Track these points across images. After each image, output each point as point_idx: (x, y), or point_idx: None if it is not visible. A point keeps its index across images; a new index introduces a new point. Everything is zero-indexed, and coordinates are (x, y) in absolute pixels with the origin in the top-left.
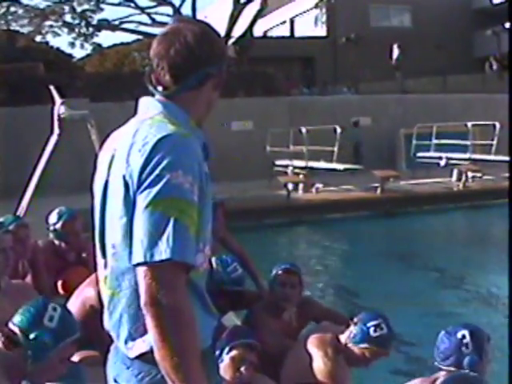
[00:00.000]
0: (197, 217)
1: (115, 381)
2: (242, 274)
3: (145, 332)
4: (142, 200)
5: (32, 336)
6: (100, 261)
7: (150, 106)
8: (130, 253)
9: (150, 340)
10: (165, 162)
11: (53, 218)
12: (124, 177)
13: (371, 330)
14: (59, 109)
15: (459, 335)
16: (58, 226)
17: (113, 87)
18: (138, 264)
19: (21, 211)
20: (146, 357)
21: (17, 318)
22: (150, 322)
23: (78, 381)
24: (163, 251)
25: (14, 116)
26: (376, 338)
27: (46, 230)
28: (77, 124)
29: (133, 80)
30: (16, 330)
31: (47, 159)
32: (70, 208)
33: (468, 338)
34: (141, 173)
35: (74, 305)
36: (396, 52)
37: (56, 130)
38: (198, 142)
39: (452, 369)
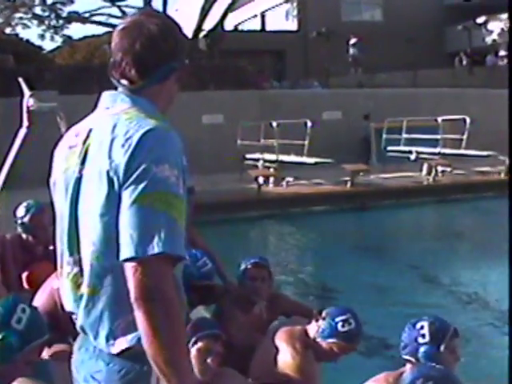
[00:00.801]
0: (182, 209)
1: (92, 377)
2: (211, 268)
3: (126, 328)
4: (129, 195)
5: None
6: (65, 258)
7: (117, 100)
8: (117, 250)
9: (132, 336)
10: (150, 157)
11: (20, 211)
12: (108, 173)
13: (339, 324)
14: (28, 101)
15: (418, 326)
16: (26, 219)
17: (83, 79)
18: (128, 259)
19: None
20: (128, 353)
21: None
22: (141, 316)
23: (46, 377)
24: (155, 245)
25: None
26: (344, 332)
27: (14, 223)
28: (46, 116)
29: (103, 72)
30: None
31: (16, 152)
32: (37, 201)
33: (426, 329)
34: (126, 168)
35: (42, 298)
36: (352, 48)
37: (25, 123)
38: (178, 136)
39: (409, 358)
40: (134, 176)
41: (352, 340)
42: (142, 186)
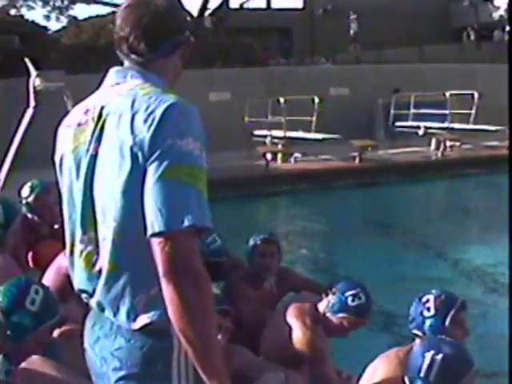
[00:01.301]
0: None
1: (112, 355)
2: (221, 245)
3: (147, 303)
4: (155, 170)
5: (13, 318)
6: (77, 236)
7: (127, 76)
8: (143, 225)
9: (153, 311)
10: (175, 131)
11: (25, 191)
12: (132, 148)
13: (349, 299)
14: (34, 81)
15: (424, 299)
16: (30, 199)
17: (89, 59)
18: (156, 234)
19: None
20: (149, 328)
21: None
22: (171, 290)
23: (55, 356)
24: (185, 218)
25: None
26: (354, 307)
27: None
28: (53, 96)
29: (109, 52)
30: None
31: (23, 132)
32: (42, 181)
33: (431, 302)
34: (151, 143)
35: (50, 277)
36: (353, 24)
37: (32, 103)
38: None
39: (417, 332)
40: (160, 150)
41: (362, 314)
42: (167, 160)
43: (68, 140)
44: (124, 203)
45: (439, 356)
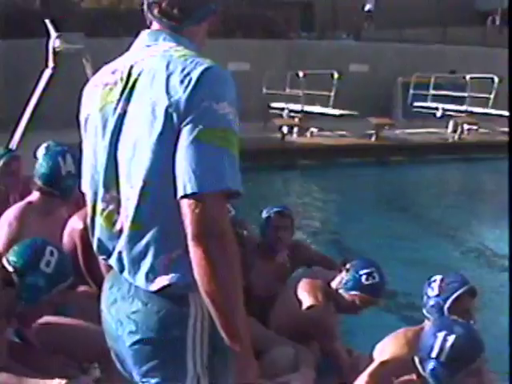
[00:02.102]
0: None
1: (128, 318)
2: (234, 215)
3: (168, 265)
4: (190, 131)
5: (27, 279)
6: (100, 195)
7: (159, 39)
8: (173, 186)
9: (173, 274)
10: (211, 94)
11: (41, 152)
12: (167, 108)
13: (363, 277)
14: (54, 42)
15: (432, 279)
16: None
17: (109, 24)
18: (188, 195)
19: (13, 144)
20: (167, 292)
21: (13, 257)
22: (200, 254)
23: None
24: (219, 181)
25: (8, 48)
26: (367, 285)
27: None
28: (72, 58)
29: (129, 17)
30: (11, 269)
31: (41, 93)
32: (58, 143)
33: (436, 283)
34: (187, 104)
35: (63, 239)
36: (368, 4)
37: (50, 64)
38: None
39: (425, 312)
40: (195, 112)
41: (375, 293)
42: (203, 122)
43: (95, 99)
44: (153, 163)
45: (452, 337)
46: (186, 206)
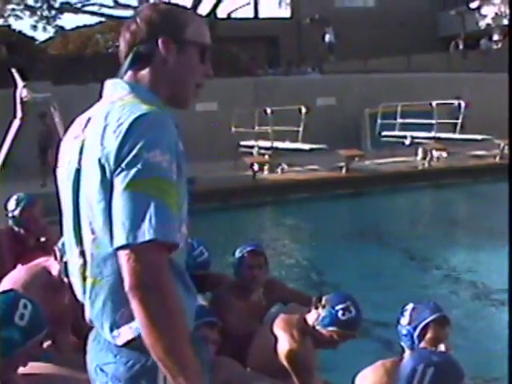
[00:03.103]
0: (176, 195)
1: (101, 370)
2: (207, 257)
3: (130, 318)
4: (121, 181)
5: (2, 333)
6: (73, 250)
7: (117, 88)
8: (112, 237)
9: (136, 326)
10: (141, 142)
11: (11, 204)
12: (100, 160)
13: (339, 313)
14: (21, 92)
15: (404, 308)
16: (17, 212)
17: (76, 70)
18: (121, 247)
19: None
20: (134, 343)
21: None
22: (136, 306)
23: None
24: (146, 232)
25: None
26: (344, 321)
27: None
28: (39, 107)
29: (96, 62)
30: None
31: (10, 144)
32: (28, 194)
33: (407, 311)
34: (117, 154)
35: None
36: (328, 36)
37: (18, 114)
38: (172, 120)
39: (401, 342)
40: (125, 162)
41: (352, 327)
42: (133, 172)
43: (66, 153)
44: (99, 214)
45: (430, 369)
46: (120, 257)
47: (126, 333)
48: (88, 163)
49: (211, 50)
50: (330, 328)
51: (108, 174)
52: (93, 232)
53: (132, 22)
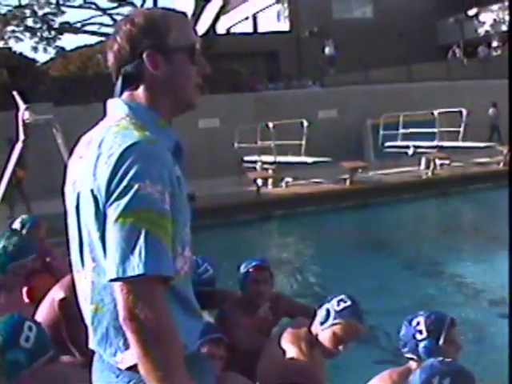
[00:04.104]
0: (171, 224)
1: None
2: (212, 274)
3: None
4: (112, 213)
5: (7, 356)
6: (80, 273)
7: (115, 108)
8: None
9: None
10: (131, 173)
11: (16, 226)
12: (92, 191)
13: (334, 305)
14: (23, 114)
15: (414, 322)
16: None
17: (78, 90)
18: (113, 280)
19: None
20: (136, 367)
21: None
22: (130, 337)
23: None
24: (136, 266)
25: None
26: (341, 310)
27: None
28: (42, 129)
29: (97, 82)
30: None
31: (14, 166)
32: (32, 216)
33: (422, 324)
34: (108, 185)
35: (44, 310)
36: (328, 48)
37: (21, 136)
38: (166, 147)
39: (411, 356)
40: (116, 194)
41: (351, 316)
42: (123, 204)
43: (71, 172)
44: (98, 244)
45: (447, 380)
46: (115, 289)
47: (128, 358)
48: (84, 191)
49: (200, 45)
50: (329, 322)
51: (101, 205)
52: (94, 260)
53: (113, 40)
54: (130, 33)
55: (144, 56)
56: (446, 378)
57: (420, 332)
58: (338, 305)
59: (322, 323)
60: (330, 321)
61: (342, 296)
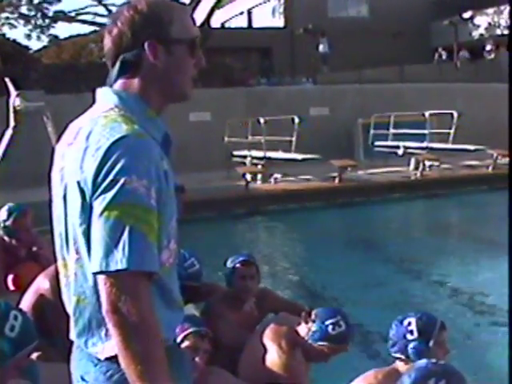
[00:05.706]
0: (156, 219)
1: (82, 379)
2: (199, 268)
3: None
4: (97, 206)
5: None
6: (63, 262)
7: (104, 98)
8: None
9: None
10: (118, 167)
11: (2, 214)
12: (79, 183)
13: (329, 328)
14: (14, 101)
15: (405, 322)
16: (9, 222)
17: (69, 79)
18: (96, 273)
19: None
20: (115, 357)
21: None
22: (112, 330)
23: (32, 378)
24: (119, 261)
25: None
26: (334, 335)
27: None
28: (32, 116)
29: (90, 71)
30: None
31: (3, 152)
32: (19, 204)
33: (413, 325)
34: (95, 179)
35: (29, 299)
36: (322, 46)
37: (11, 123)
38: (154, 141)
39: (399, 356)
40: (102, 187)
41: (342, 342)
42: (108, 198)
43: (59, 159)
44: (81, 237)
45: (442, 382)
46: (98, 281)
47: (109, 349)
48: (71, 183)
49: (200, 39)
50: (321, 343)
51: (87, 197)
52: (77, 252)
53: (113, 26)
54: (132, 19)
55: (146, 45)
56: (442, 379)
57: (411, 332)
58: (334, 329)
59: (313, 338)
60: (323, 341)
61: (338, 317)
